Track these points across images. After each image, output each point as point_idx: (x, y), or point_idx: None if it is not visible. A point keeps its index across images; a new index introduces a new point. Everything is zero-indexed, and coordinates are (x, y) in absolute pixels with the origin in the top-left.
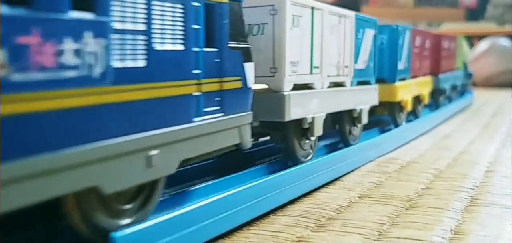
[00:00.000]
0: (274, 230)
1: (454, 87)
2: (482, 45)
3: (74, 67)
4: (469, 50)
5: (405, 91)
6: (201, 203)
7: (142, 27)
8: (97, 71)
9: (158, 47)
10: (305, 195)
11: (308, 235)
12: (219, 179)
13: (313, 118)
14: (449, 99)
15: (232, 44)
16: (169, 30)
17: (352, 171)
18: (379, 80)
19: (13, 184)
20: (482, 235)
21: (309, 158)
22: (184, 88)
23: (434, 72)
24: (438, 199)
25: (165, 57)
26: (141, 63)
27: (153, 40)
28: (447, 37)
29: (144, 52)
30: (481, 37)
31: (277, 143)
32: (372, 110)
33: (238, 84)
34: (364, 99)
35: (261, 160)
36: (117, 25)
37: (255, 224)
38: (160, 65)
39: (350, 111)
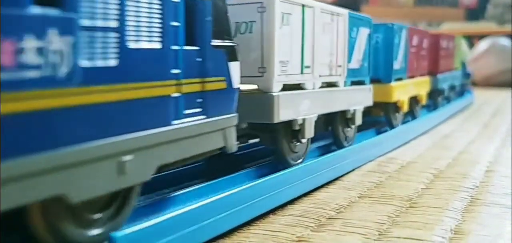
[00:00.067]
0: (274, 230)
1: (452, 88)
2: (482, 45)
3: (37, 67)
4: (469, 50)
5: (401, 91)
6: (201, 203)
7: (114, 24)
8: (63, 71)
9: (132, 45)
10: (305, 195)
11: (308, 234)
12: (217, 180)
13: (303, 119)
14: (448, 100)
15: (216, 42)
16: (144, 28)
17: (352, 170)
18: (375, 80)
19: None
20: (482, 234)
21: (299, 161)
22: (161, 89)
23: (432, 72)
24: (438, 199)
25: (140, 56)
26: (113, 62)
27: (127, 38)
28: (445, 36)
29: (116, 50)
30: (481, 37)
31: (266, 145)
32: (368, 111)
33: (222, 85)
34: (358, 99)
35: (261, 160)
36: (85, 22)
37: (255, 224)
38: (134, 65)
39: (343, 112)
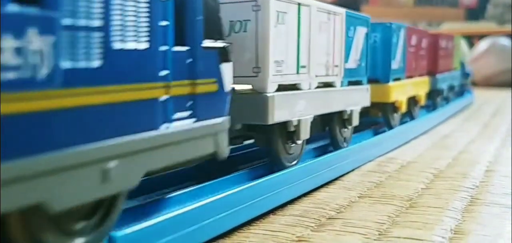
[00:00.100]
0: (274, 230)
1: (451, 88)
2: (482, 45)
3: (15, 68)
4: (469, 50)
5: (399, 91)
6: (201, 203)
7: (98, 23)
8: (43, 72)
9: (117, 46)
10: (305, 195)
11: (308, 234)
12: (216, 180)
13: (299, 121)
14: (447, 100)
15: (207, 43)
16: (131, 27)
17: (352, 170)
18: (372, 80)
19: None
20: (482, 234)
21: (294, 162)
22: (148, 91)
23: (431, 72)
24: (438, 199)
25: (126, 57)
26: (96, 63)
27: (111, 38)
28: (444, 36)
29: (100, 51)
30: (481, 36)
31: (261, 146)
32: (366, 112)
33: (214, 87)
34: (355, 100)
35: (257, 161)
36: (67, 21)
37: (255, 224)
38: (120, 66)
39: (340, 113)
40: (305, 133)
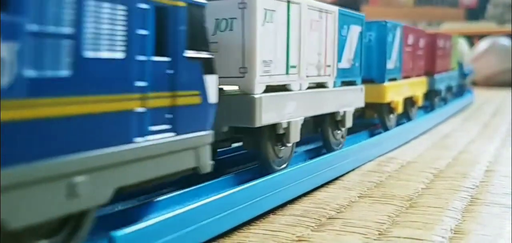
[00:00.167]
0: (274, 229)
1: (449, 88)
2: (482, 45)
3: None
4: (469, 50)
5: (395, 92)
6: (201, 203)
7: (68, 30)
8: (4, 81)
9: (89, 54)
10: (305, 194)
11: (308, 234)
12: (213, 180)
13: (288, 123)
14: (445, 101)
15: (190, 53)
16: (105, 35)
17: (352, 170)
18: (368, 81)
19: None
20: (482, 234)
21: (284, 166)
22: (122, 103)
23: (429, 72)
24: (438, 199)
25: (98, 66)
26: (65, 73)
27: (83, 46)
28: (442, 36)
29: (70, 60)
30: (481, 36)
31: (249, 149)
32: (362, 113)
33: (196, 100)
34: (348, 101)
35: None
36: (34, 27)
37: (255, 224)
38: (91, 76)
39: (333, 114)
40: (295, 136)
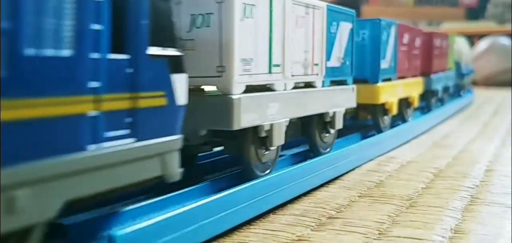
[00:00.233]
0: (274, 229)
1: (446, 89)
2: (482, 44)
3: None
4: (469, 49)
5: (390, 93)
6: (201, 203)
7: (3, 25)
8: None
9: (29, 52)
10: (305, 194)
11: (308, 234)
12: (214, 180)
13: (271, 125)
14: (441, 102)
15: (154, 51)
16: (49, 31)
17: (352, 170)
18: (361, 81)
19: None
20: (482, 234)
21: (267, 171)
22: (71, 106)
23: (426, 72)
24: (438, 198)
25: (41, 65)
26: (1, 73)
27: (21, 43)
28: (439, 35)
29: (5, 59)
30: (481, 36)
31: (231, 153)
32: (356, 115)
33: (161, 101)
34: (338, 101)
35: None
36: None
37: (255, 223)
38: (32, 77)
39: (321, 116)
40: (279, 139)
